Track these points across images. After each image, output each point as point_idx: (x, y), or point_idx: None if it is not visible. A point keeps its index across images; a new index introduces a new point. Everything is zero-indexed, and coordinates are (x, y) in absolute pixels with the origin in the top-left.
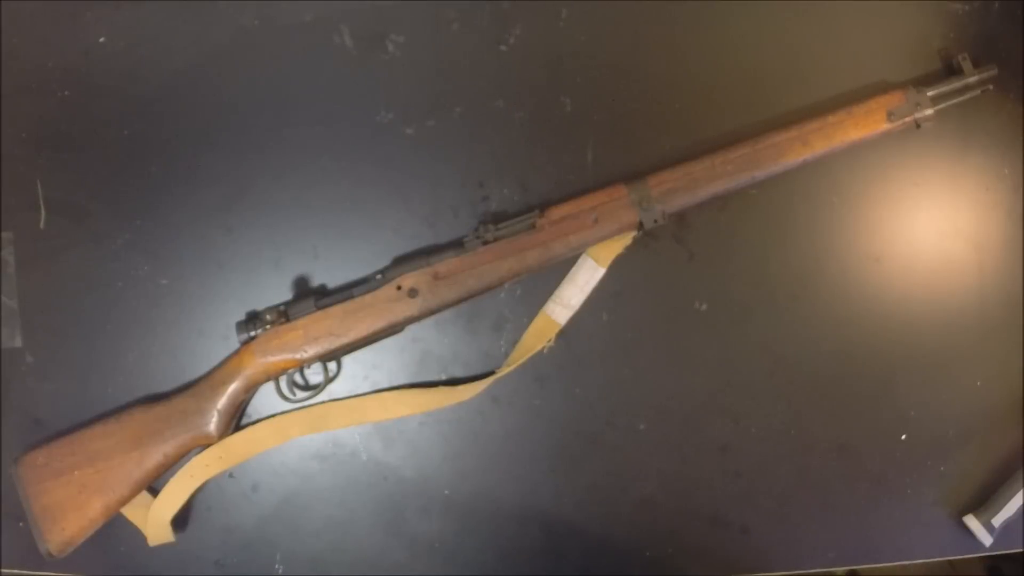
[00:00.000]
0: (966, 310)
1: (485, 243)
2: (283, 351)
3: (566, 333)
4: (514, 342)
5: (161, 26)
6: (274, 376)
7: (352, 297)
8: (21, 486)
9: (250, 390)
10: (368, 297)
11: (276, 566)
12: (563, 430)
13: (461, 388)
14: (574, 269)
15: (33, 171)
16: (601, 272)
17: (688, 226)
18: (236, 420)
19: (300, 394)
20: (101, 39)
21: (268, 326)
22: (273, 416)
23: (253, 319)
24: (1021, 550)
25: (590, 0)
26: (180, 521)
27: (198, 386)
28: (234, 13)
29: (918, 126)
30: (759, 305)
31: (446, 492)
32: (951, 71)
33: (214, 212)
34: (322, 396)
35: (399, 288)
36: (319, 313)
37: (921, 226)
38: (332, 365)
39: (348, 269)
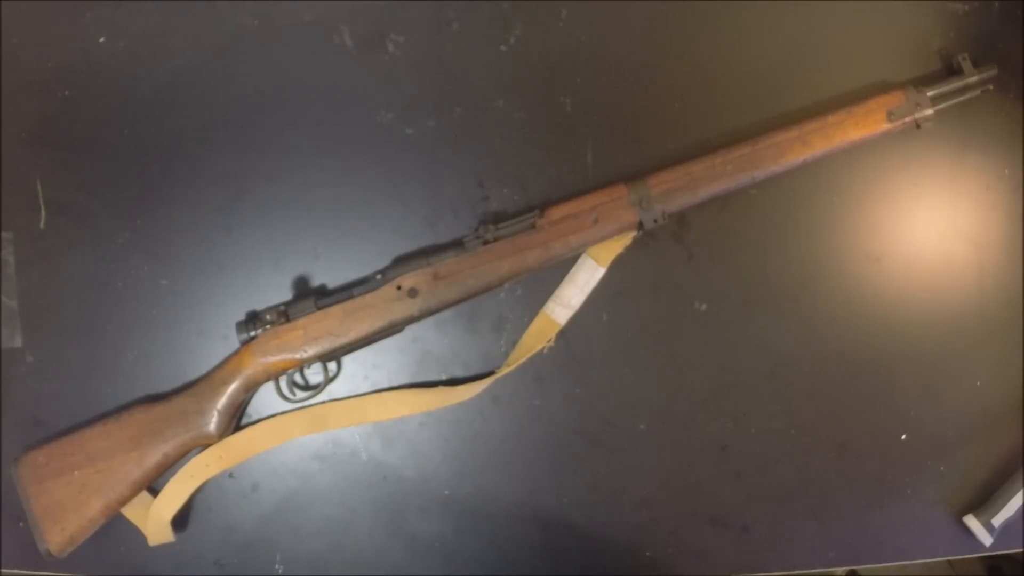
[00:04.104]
0: (966, 310)
1: (485, 243)
2: (283, 351)
3: (566, 333)
4: (514, 342)
5: (161, 26)
6: (274, 376)
7: (352, 297)
8: (21, 486)
9: (250, 390)
10: (368, 297)
11: (276, 566)
12: (563, 430)
13: (461, 388)
14: (574, 269)
15: (33, 171)
16: (601, 272)
17: (688, 226)
18: (236, 420)
19: (300, 394)
20: (101, 39)
21: (268, 326)
22: (273, 416)
23: (253, 319)
24: (1021, 550)
25: (590, 0)
26: (180, 521)
27: (198, 386)
28: (233, 13)
29: (918, 126)
30: (759, 305)
31: (446, 492)
32: (951, 71)
33: (214, 212)
34: (322, 396)
35: (399, 288)
36: (319, 313)
37: (921, 226)
38: (332, 365)
39: (348, 269)
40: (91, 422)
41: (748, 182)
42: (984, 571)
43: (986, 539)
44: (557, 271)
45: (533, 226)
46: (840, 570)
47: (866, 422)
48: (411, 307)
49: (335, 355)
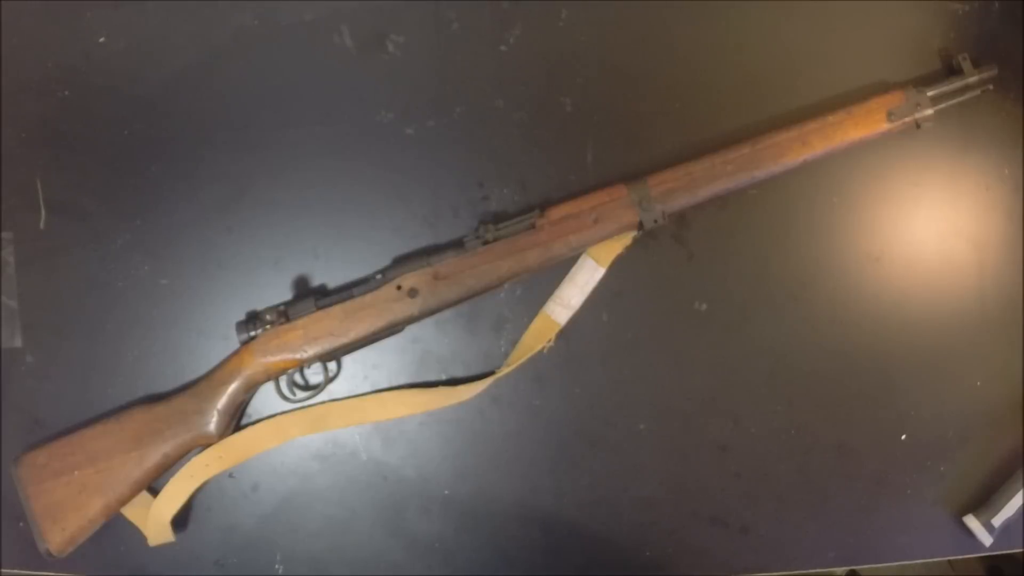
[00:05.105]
0: (966, 310)
1: (485, 243)
2: (283, 351)
3: (566, 333)
4: (514, 342)
5: (161, 26)
6: (274, 376)
7: (352, 297)
8: (21, 486)
9: (250, 390)
10: (368, 297)
11: (276, 566)
12: (563, 430)
13: (461, 388)
14: (574, 269)
15: (33, 171)
16: (601, 272)
17: (688, 226)
18: (236, 420)
19: (300, 394)
20: (101, 39)
21: (268, 326)
22: (273, 416)
23: (253, 319)
24: (1021, 550)
25: (590, 0)
26: (180, 521)
27: (198, 386)
28: (234, 13)
29: (918, 126)
30: (759, 305)
31: (446, 492)
32: (951, 71)
33: (214, 212)
34: (322, 396)
35: (399, 288)
36: (319, 313)
37: (921, 226)
38: (332, 365)
39: (348, 269)
40: (91, 422)
41: (748, 182)
42: (984, 571)
43: (986, 539)
44: (557, 271)
45: (533, 226)
46: (840, 570)
47: (866, 422)
48: (411, 307)
49: (335, 355)
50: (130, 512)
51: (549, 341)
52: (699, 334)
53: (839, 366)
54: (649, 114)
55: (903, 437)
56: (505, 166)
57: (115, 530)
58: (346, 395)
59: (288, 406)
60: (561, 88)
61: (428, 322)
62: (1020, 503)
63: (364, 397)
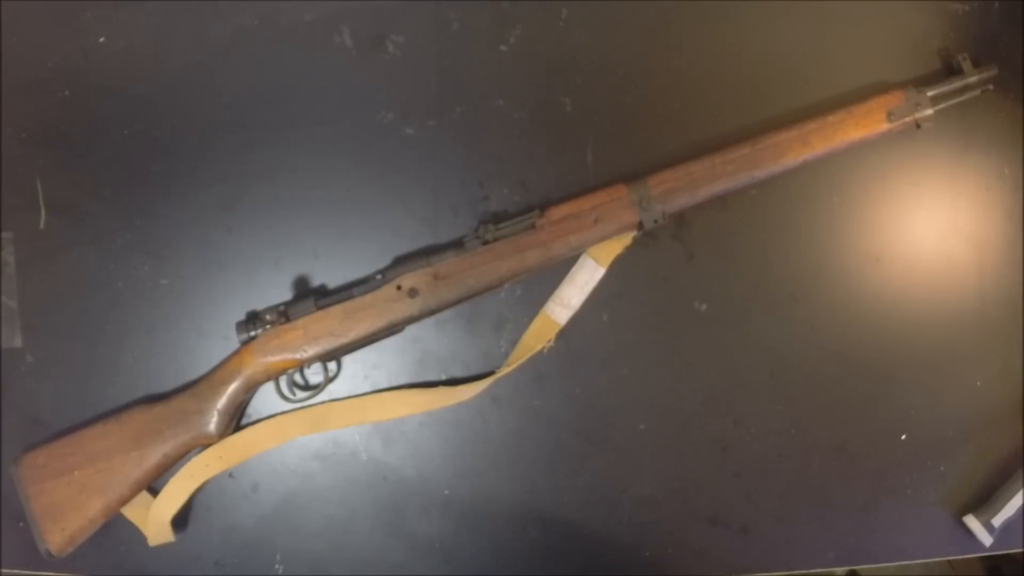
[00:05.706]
0: (966, 310)
1: (485, 243)
2: (283, 351)
3: (566, 333)
4: (514, 342)
5: (161, 26)
6: (274, 376)
7: (352, 297)
8: (21, 486)
9: (250, 390)
10: (368, 297)
11: (276, 566)
12: (563, 430)
13: (461, 388)
14: (574, 269)
15: (33, 171)
16: (601, 272)
17: (688, 226)
18: (236, 420)
19: (300, 394)
20: (101, 39)
21: (268, 326)
22: (273, 416)
23: (253, 319)
24: (1021, 550)
25: (590, 0)
26: (180, 521)
27: (198, 386)
28: (234, 13)
29: (918, 126)
30: (759, 305)
31: (446, 492)
32: (951, 71)
33: (214, 212)
34: (322, 396)
35: (399, 288)
36: (319, 313)
37: (921, 226)
38: (332, 365)
39: (348, 269)
40: (91, 422)
41: (748, 182)
42: (984, 571)
43: (986, 539)
44: (557, 271)
45: (533, 226)
46: (840, 570)
47: (866, 422)
48: (411, 307)
49: (335, 355)
50: (130, 512)
51: (549, 341)
52: (699, 334)
53: (839, 366)
54: (649, 114)
55: (903, 437)
56: (505, 166)
57: (115, 530)
58: (346, 395)
59: (288, 406)
60: (561, 88)
61: (428, 322)
62: (1020, 503)
63: (364, 397)
